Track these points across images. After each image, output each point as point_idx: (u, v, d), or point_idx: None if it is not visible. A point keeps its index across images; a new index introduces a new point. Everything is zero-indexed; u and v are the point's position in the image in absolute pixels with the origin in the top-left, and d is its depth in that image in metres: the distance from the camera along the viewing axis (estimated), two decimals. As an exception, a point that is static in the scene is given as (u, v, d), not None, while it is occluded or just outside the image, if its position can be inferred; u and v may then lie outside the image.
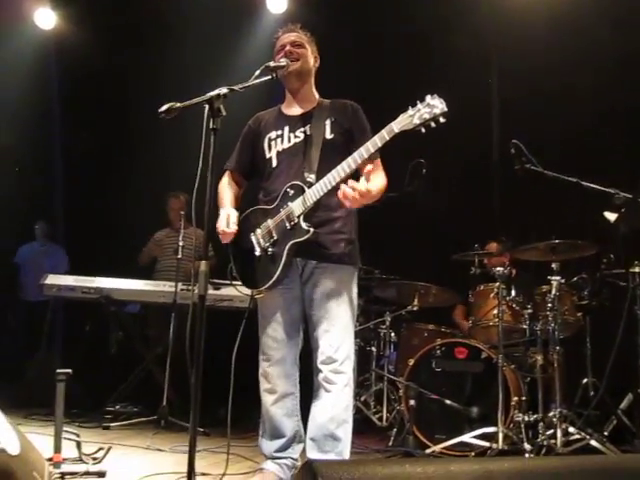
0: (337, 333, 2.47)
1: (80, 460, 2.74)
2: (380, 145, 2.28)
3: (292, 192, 2.48)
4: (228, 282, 2.76)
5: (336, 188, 2.41)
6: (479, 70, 5.40)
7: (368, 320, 4.70)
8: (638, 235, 3.44)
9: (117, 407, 4.30)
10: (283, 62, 2.53)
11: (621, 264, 3.75)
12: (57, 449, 2.50)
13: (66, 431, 2.68)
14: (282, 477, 2.55)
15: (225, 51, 5.64)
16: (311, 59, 2.67)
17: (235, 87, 2.23)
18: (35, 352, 5.04)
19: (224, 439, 2.60)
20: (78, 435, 2.91)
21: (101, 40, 5.88)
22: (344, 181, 2.39)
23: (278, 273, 2.46)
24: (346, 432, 2.47)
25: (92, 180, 6.16)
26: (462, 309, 4.69)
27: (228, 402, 2.52)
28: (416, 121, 2.19)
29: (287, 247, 2.45)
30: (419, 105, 2.20)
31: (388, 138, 2.25)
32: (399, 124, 2.22)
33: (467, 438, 3.42)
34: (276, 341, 2.56)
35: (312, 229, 2.42)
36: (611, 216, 3.14)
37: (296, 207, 2.44)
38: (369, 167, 2.32)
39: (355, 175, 2.58)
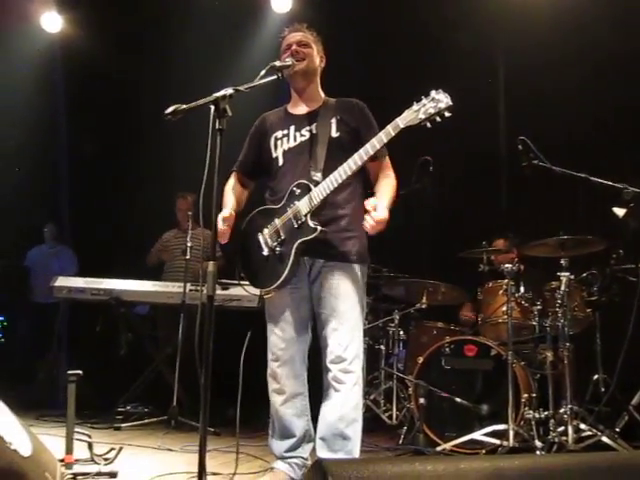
0: (346, 332, 2.47)
1: (92, 461, 2.75)
2: (385, 141, 2.28)
3: (299, 191, 2.48)
4: (236, 282, 2.77)
5: (343, 185, 2.42)
6: (485, 68, 5.38)
7: (377, 318, 4.69)
8: (647, 230, 3.41)
9: (128, 408, 4.31)
10: (289, 61, 2.53)
11: (631, 259, 3.73)
12: (69, 450, 2.51)
13: (77, 432, 2.69)
14: (292, 476, 2.56)
15: (230, 51, 5.65)
16: (317, 59, 2.66)
17: (241, 87, 2.22)
18: (45, 354, 5.07)
19: (235, 439, 2.60)
20: (89, 436, 2.91)
21: (107, 43, 5.90)
22: (351, 178, 2.40)
23: (286, 272, 2.45)
24: (355, 431, 2.46)
25: (100, 182, 6.20)
26: (469, 307, 4.68)
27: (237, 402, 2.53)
28: (421, 116, 2.19)
29: (295, 246, 2.45)
30: (424, 100, 2.20)
31: (394, 134, 2.25)
32: (404, 119, 2.23)
33: (477, 436, 3.41)
34: (285, 341, 2.56)
35: (320, 227, 2.42)
36: (620, 211, 3.12)
37: (303, 206, 2.44)
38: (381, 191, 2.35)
39: (363, 176, 2.59)
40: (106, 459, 2.84)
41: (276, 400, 2.57)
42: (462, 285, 4.50)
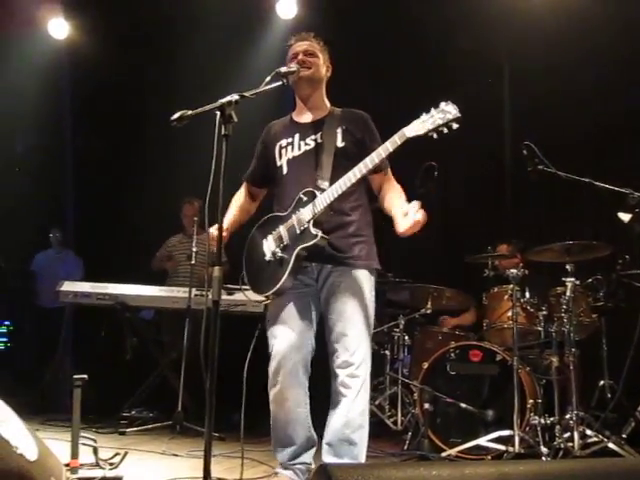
0: (353, 337, 2.47)
1: (97, 465, 2.76)
2: (391, 150, 2.28)
3: (305, 198, 2.48)
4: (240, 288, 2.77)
5: (348, 193, 2.42)
6: (490, 72, 5.38)
7: (382, 324, 4.68)
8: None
9: (133, 412, 4.32)
10: (294, 67, 2.54)
11: (637, 265, 3.71)
12: (74, 455, 2.51)
13: (83, 436, 2.69)
14: (297, 481, 2.55)
15: (235, 57, 5.67)
16: (323, 68, 2.66)
17: (246, 93, 2.24)
18: (51, 358, 5.09)
19: (240, 444, 2.60)
20: (95, 440, 2.92)
21: (113, 49, 5.94)
22: (355, 186, 2.40)
23: (284, 278, 2.44)
24: (362, 437, 2.46)
25: (106, 187, 6.22)
26: (447, 320, 4.69)
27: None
28: (429, 126, 2.19)
29: (295, 252, 2.44)
30: (433, 111, 2.20)
31: (400, 143, 2.25)
32: (412, 130, 2.23)
33: (483, 441, 3.40)
34: (287, 348, 2.51)
35: (320, 234, 2.41)
36: (625, 216, 3.11)
37: (306, 212, 2.45)
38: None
39: (365, 187, 2.60)
40: (111, 464, 2.85)
41: (277, 410, 2.54)
42: (467, 290, 4.49)
